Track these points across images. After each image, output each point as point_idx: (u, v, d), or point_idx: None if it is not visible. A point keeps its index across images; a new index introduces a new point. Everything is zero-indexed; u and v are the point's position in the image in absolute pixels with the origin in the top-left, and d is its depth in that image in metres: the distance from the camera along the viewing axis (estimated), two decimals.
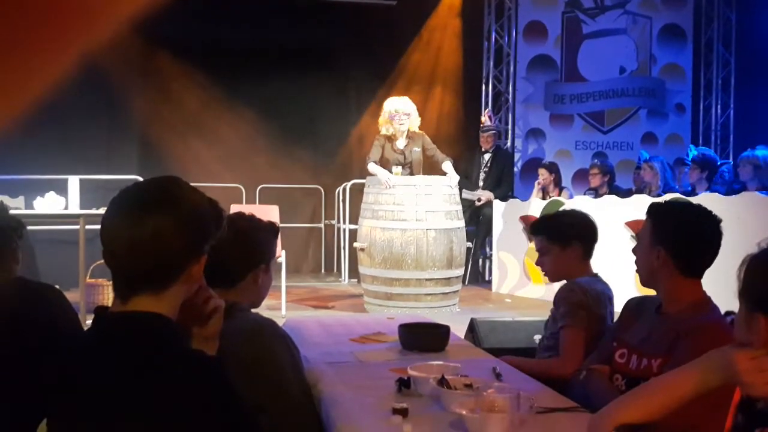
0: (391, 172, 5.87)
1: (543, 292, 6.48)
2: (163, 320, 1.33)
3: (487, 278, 7.85)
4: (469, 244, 6.90)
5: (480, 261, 8.03)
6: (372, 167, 5.88)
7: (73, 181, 5.63)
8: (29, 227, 2.75)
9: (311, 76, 8.59)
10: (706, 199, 5.03)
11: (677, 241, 2.02)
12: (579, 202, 6.52)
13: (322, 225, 9.11)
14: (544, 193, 7.41)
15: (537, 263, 2.74)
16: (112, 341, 1.31)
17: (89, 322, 1.39)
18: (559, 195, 7.31)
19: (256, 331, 1.95)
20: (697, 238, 2.03)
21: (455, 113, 9.17)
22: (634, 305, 2.25)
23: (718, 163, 7.10)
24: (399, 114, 6.01)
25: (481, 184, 7.94)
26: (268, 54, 8.48)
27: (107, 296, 5.43)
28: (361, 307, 5.94)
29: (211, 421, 1.25)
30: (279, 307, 5.60)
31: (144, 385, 1.24)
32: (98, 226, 1.37)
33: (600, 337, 2.37)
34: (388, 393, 1.90)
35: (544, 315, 3.10)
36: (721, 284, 1.91)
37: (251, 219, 2.10)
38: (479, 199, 7.73)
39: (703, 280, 2.06)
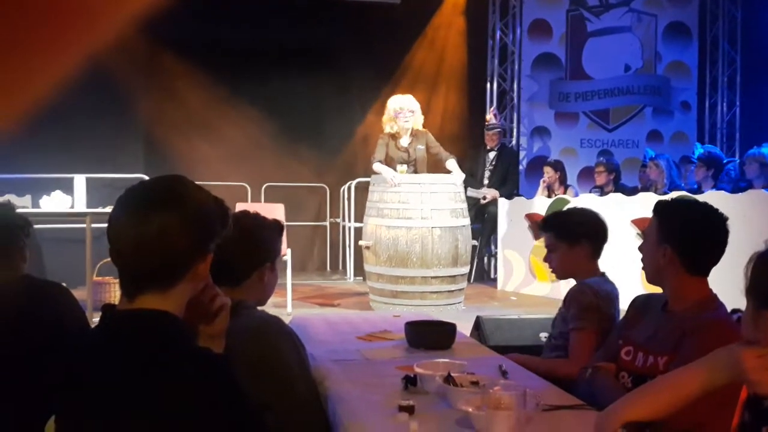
0: (395, 170, 5.87)
1: (548, 289, 6.48)
2: (169, 318, 1.33)
3: (492, 276, 7.85)
4: (475, 242, 6.90)
5: (485, 259, 8.02)
6: (377, 166, 5.87)
7: (80, 180, 5.64)
8: (36, 226, 2.75)
9: (316, 75, 8.60)
10: (712, 197, 5.02)
11: (684, 239, 2.02)
12: (584, 200, 6.51)
13: (327, 223, 9.12)
14: (550, 191, 7.41)
15: (545, 260, 2.74)
16: (119, 339, 1.32)
17: (96, 319, 1.40)
18: (565, 193, 7.30)
19: (263, 328, 1.96)
20: (703, 236, 2.02)
21: (460, 111, 9.17)
22: (640, 303, 2.24)
23: (724, 161, 7.08)
24: (404, 111, 6.00)
25: (486, 182, 7.93)
26: (273, 53, 8.49)
27: (114, 294, 5.45)
28: (366, 305, 5.94)
29: (218, 418, 1.26)
30: (285, 304, 5.61)
31: (151, 382, 1.25)
32: (105, 225, 1.38)
33: (609, 337, 2.37)
34: (394, 390, 1.90)
35: (549, 312, 3.09)
36: (727, 282, 1.91)
37: (256, 217, 2.10)
38: (484, 197, 7.72)
39: (709, 278, 2.05)
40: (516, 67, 8.98)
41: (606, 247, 2.72)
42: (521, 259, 6.99)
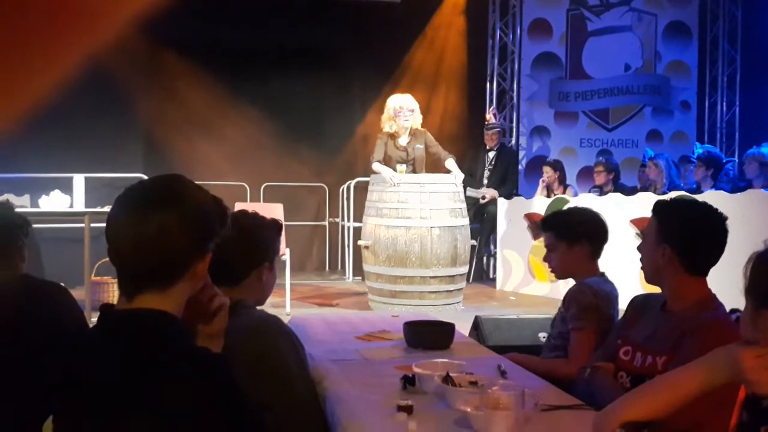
0: (395, 170, 5.87)
1: (547, 289, 6.48)
2: (168, 318, 1.33)
3: (491, 276, 7.85)
4: (474, 242, 6.89)
5: (484, 259, 8.02)
6: (376, 166, 5.87)
7: (78, 180, 5.64)
8: (34, 225, 2.75)
9: (315, 74, 8.60)
10: (711, 197, 5.02)
11: (683, 239, 2.02)
12: (584, 200, 6.51)
13: (326, 223, 9.12)
14: (549, 191, 7.40)
15: (544, 259, 2.74)
16: (118, 339, 1.31)
17: (95, 319, 1.40)
18: (564, 192, 7.30)
19: (262, 328, 1.96)
20: (702, 235, 2.02)
21: (459, 111, 9.17)
22: (638, 303, 2.24)
23: (724, 160, 7.08)
24: (404, 110, 6.00)
25: (485, 181, 7.93)
26: (272, 53, 8.49)
27: (113, 294, 5.45)
28: (365, 305, 5.94)
29: (216, 418, 1.26)
30: (283, 304, 5.61)
31: (149, 382, 1.25)
32: (103, 224, 1.38)
33: (609, 337, 2.37)
34: (393, 390, 1.90)
35: (548, 312, 3.09)
36: (726, 282, 1.91)
37: (254, 217, 2.11)
38: (483, 197, 7.72)
39: (708, 278, 2.05)
40: (516, 66, 8.98)
41: (605, 247, 2.72)
42: (520, 259, 6.99)
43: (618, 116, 9.10)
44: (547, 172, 7.47)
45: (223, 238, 1.41)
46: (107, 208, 1.38)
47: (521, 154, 8.98)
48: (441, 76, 9.17)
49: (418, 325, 2.58)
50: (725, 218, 2.02)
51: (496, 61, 9.04)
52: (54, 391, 1.34)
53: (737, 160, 8.47)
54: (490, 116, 8.27)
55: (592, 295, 2.51)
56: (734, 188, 6.03)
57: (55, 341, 1.95)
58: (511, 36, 9.02)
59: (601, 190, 7.10)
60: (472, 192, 7.52)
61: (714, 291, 2.05)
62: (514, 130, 9.04)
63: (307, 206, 9.08)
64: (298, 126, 8.56)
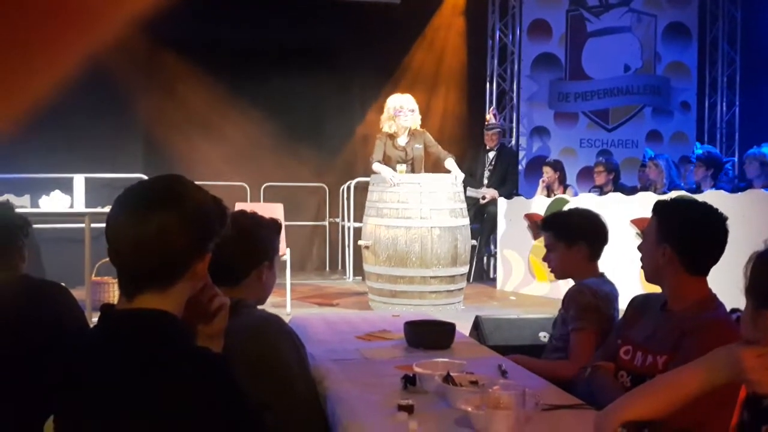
0: (395, 170, 5.87)
1: (547, 289, 6.48)
2: (168, 317, 1.33)
3: (491, 276, 7.85)
4: (474, 242, 6.89)
5: (484, 259, 8.02)
6: (376, 166, 5.88)
7: (79, 180, 5.64)
8: (35, 225, 2.75)
9: (315, 75, 8.60)
10: (711, 197, 5.02)
11: (683, 239, 2.02)
12: (584, 200, 6.51)
13: (326, 223, 9.12)
14: (549, 191, 7.41)
15: (543, 259, 2.74)
16: (118, 339, 1.32)
17: (95, 319, 1.40)
18: (564, 193, 7.30)
19: (262, 327, 1.95)
20: (702, 235, 2.02)
21: (459, 111, 9.17)
22: (639, 302, 2.24)
23: (723, 160, 7.08)
24: (404, 110, 6.01)
25: (485, 182, 7.93)
26: (272, 53, 8.49)
27: (113, 294, 5.45)
28: (365, 305, 5.94)
29: (217, 418, 1.26)
30: (284, 304, 5.61)
31: (149, 382, 1.25)
32: (104, 225, 1.38)
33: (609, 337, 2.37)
34: (393, 390, 1.90)
35: (548, 312, 3.09)
36: (726, 281, 1.91)
37: (253, 216, 2.11)
38: (484, 197, 7.72)
39: (709, 278, 2.05)
40: (515, 67, 8.98)
41: (605, 247, 2.72)
42: (520, 258, 6.99)
43: (618, 117, 9.10)
44: (547, 173, 7.47)
45: (222, 238, 1.41)
46: (107, 209, 1.38)
47: (521, 154, 8.98)
48: (441, 76, 9.17)
49: (418, 324, 2.58)
50: (725, 218, 2.02)
51: (495, 61, 9.04)
52: (54, 391, 1.34)
53: (735, 160, 8.48)
54: (490, 116, 8.27)
55: (591, 296, 2.51)
56: (734, 188, 6.03)
57: (56, 341, 1.95)
58: (510, 37, 9.02)
59: (601, 190, 7.10)
60: (472, 192, 7.52)
61: (714, 291, 2.05)
62: (514, 130, 9.04)
63: (307, 206, 9.08)
64: (298, 126, 8.56)
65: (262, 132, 8.37)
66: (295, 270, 7.05)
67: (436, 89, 9.09)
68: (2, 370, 2.01)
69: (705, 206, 2.09)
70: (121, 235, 1.32)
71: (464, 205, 5.91)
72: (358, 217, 6.86)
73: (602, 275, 2.66)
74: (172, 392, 1.24)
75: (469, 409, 1.63)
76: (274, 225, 2.14)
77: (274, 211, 5.34)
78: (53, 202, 5.40)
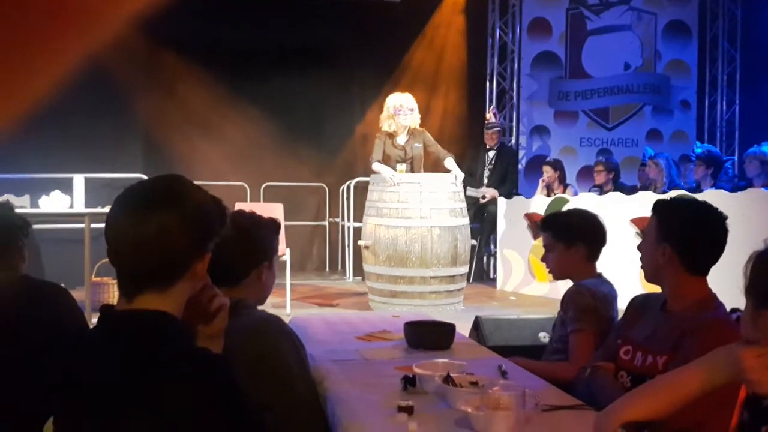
0: (394, 169, 5.87)
1: (547, 289, 6.47)
2: (168, 318, 1.33)
3: (491, 276, 7.85)
4: (474, 242, 6.89)
5: (484, 258, 8.02)
6: (376, 166, 5.88)
7: (78, 180, 5.64)
8: (34, 226, 2.75)
9: (315, 74, 8.60)
10: (711, 196, 5.02)
11: (683, 238, 2.02)
12: (584, 199, 6.51)
13: (326, 223, 9.12)
14: (549, 191, 7.40)
15: (542, 260, 2.74)
16: (118, 339, 1.31)
17: (95, 320, 1.39)
18: (564, 192, 7.30)
19: (262, 328, 1.95)
20: (702, 235, 2.02)
21: (459, 110, 9.17)
22: (638, 302, 2.24)
23: (723, 159, 7.08)
24: (403, 109, 6.00)
25: (485, 181, 7.93)
26: (272, 52, 8.49)
27: (113, 295, 5.45)
28: (365, 305, 5.94)
29: (217, 418, 1.26)
30: (284, 305, 5.61)
31: (149, 382, 1.25)
32: (103, 225, 1.38)
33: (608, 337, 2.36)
34: (393, 391, 1.90)
35: (548, 312, 3.09)
36: (726, 281, 1.91)
37: (252, 216, 2.10)
38: (484, 197, 7.72)
39: (709, 278, 2.05)
40: (515, 65, 8.98)
41: (605, 247, 2.72)
42: (520, 258, 6.98)
43: (618, 115, 9.10)
44: (547, 172, 7.47)
45: (221, 238, 1.41)
46: (107, 209, 1.38)
47: (521, 153, 8.98)
48: (441, 75, 9.17)
49: (418, 325, 2.58)
50: (725, 217, 2.02)
51: (495, 60, 9.04)
52: (54, 391, 1.34)
53: (735, 159, 8.48)
54: (490, 115, 8.27)
55: (590, 297, 2.51)
56: (734, 187, 6.02)
57: (56, 342, 1.95)
58: (510, 35, 9.01)
59: (601, 190, 7.09)
60: (472, 191, 7.51)
61: (714, 290, 2.05)
62: (514, 129, 9.03)
63: (307, 206, 9.08)
64: (298, 126, 8.56)
65: (262, 132, 8.37)
66: (295, 270, 7.05)
67: (436, 88, 9.09)
68: (2, 371, 2.01)
69: (705, 205, 2.09)
70: (121, 235, 1.32)
71: (464, 205, 5.91)
72: (358, 217, 6.85)
73: (600, 275, 2.66)
74: (172, 392, 1.24)
75: (469, 409, 1.63)
76: (272, 225, 2.14)
77: (274, 211, 5.34)
78: (53, 202, 5.40)
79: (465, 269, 5.88)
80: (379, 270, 5.71)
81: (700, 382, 1.38)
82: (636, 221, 5.69)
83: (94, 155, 7.31)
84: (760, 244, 1.37)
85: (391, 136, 6.07)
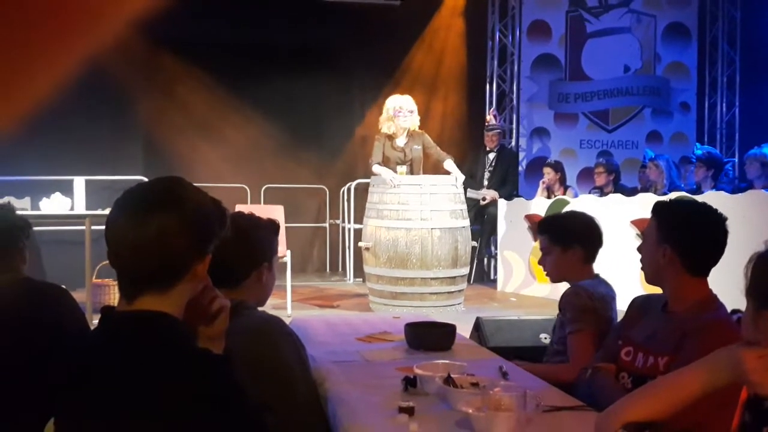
0: (394, 171, 5.87)
1: (548, 291, 6.47)
2: (169, 319, 1.33)
3: (492, 277, 7.85)
4: (474, 243, 6.90)
5: (485, 260, 8.02)
6: (376, 168, 5.88)
7: (79, 182, 5.65)
8: (35, 228, 2.75)
9: (315, 76, 8.60)
10: (712, 198, 5.02)
11: (683, 240, 2.02)
12: (584, 201, 6.51)
13: (326, 225, 9.12)
14: (549, 192, 7.40)
15: (539, 263, 2.75)
16: (119, 340, 1.32)
17: (96, 322, 1.40)
18: (564, 194, 7.30)
19: (264, 329, 1.95)
20: (702, 236, 2.02)
21: (459, 113, 9.17)
22: (639, 303, 2.24)
23: (724, 161, 7.08)
24: (403, 111, 6.01)
25: (485, 183, 7.93)
26: (272, 54, 8.49)
27: (113, 296, 5.45)
28: (366, 307, 5.94)
29: (217, 419, 1.26)
30: (284, 306, 5.61)
31: (150, 383, 1.25)
32: (104, 227, 1.38)
33: (607, 338, 2.36)
34: (394, 392, 1.90)
35: (549, 314, 3.09)
36: (727, 282, 1.91)
37: (251, 217, 2.11)
38: (484, 198, 7.73)
39: (709, 279, 2.05)
40: (515, 68, 8.99)
41: (605, 248, 2.72)
42: (521, 260, 6.98)
43: (618, 117, 9.10)
44: (548, 174, 7.47)
45: (221, 240, 1.41)
46: (108, 211, 1.38)
47: (521, 155, 8.98)
48: (441, 77, 9.18)
49: (419, 326, 2.58)
50: (725, 218, 2.02)
51: (495, 62, 9.04)
52: (55, 392, 1.34)
53: (736, 161, 8.48)
54: (490, 118, 8.27)
55: (587, 298, 2.52)
56: (735, 189, 6.02)
57: (57, 343, 1.95)
58: (510, 38, 9.02)
59: (602, 191, 7.09)
60: (472, 193, 7.52)
61: (715, 291, 2.05)
62: (514, 131, 9.04)
63: (307, 208, 9.09)
64: (298, 128, 8.56)
65: (263, 134, 8.38)
66: (296, 272, 7.05)
67: (436, 90, 9.10)
68: (3, 372, 2.01)
69: (704, 206, 2.10)
70: (121, 237, 1.32)
71: (464, 207, 5.91)
72: (359, 219, 6.86)
73: (597, 276, 2.66)
74: (173, 393, 1.24)
75: (470, 410, 1.62)
76: (271, 226, 2.14)
77: (274, 213, 5.34)
78: (54, 204, 5.40)
79: (465, 271, 5.88)
80: (379, 271, 5.71)
81: (701, 383, 1.38)
82: (636, 223, 5.69)
83: (94, 157, 7.32)
84: (761, 246, 1.37)
85: (391, 138, 6.08)
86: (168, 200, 1.34)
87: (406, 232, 5.59)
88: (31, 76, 6.21)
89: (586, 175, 8.49)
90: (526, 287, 6.90)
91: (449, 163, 5.99)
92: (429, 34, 9.17)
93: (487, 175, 7.97)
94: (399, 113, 6.00)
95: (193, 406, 1.24)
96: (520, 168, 8.87)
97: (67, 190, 5.59)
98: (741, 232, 2.29)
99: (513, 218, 7.15)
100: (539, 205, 6.90)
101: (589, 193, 7.34)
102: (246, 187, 8.55)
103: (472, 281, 6.93)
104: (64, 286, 2.34)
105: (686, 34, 9.17)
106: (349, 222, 8.06)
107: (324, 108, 8.94)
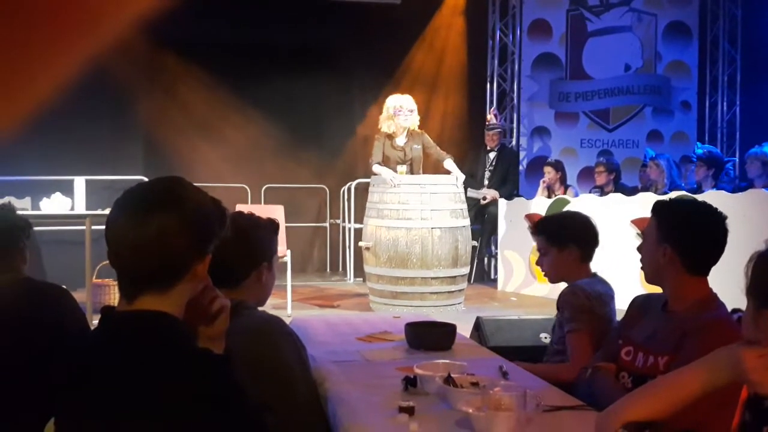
0: (394, 170, 5.87)
1: (548, 290, 6.47)
2: (169, 319, 1.33)
3: (492, 277, 7.85)
4: (475, 243, 6.89)
5: (485, 259, 8.02)
6: (376, 168, 5.88)
7: (79, 182, 5.65)
8: (36, 228, 2.75)
9: (316, 76, 8.60)
10: (712, 197, 5.02)
11: (683, 239, 2.02)
12: (584, 201, 6.51)
13: (327, 224, 9.12)
14: (550, 192, 7.40)
15: (537, 263, 2.76)
16: (119, 340, 1.32)
17: (96, 322, 1.40)
18: (565, 193, 7.30)
19: (264, 329, 1.95)
20: (702, 235, 2.02)
21: (460, 112, 9.17)
22: (639, 303, 2.24)
23: (724, 160, 7.07)
24: (403, 110, 6.01)
25: (486, 182, 7.93)
26: (273, 54, 8.49)
27: (114, 296, 5.45)
28: (366, 306, 5.94)
29: (218, 419, 1.26)
30: (285, 306, 5.61)
31: (150, 383, 1.25)
32: (104, 227, 1.38)
33: (606, 337, 2.37)
34: (394, 391, 1.90)
35: (549, 313, 3.09)
36: (727, 282, 1.91)
37: (251, 217, 2.11)
38: (484, 198, 7.72)
39: (710, 278, 2.05)
40: (516, 67, 8.98)
41: (605, 247, 2.73)
42: (521, 259, 6.98)
43: (618, 116, 9.10)
44: (549, 173, 7.47)
45: (221, 239, 1.41)
46: (108, 211, 1.38)
47: (522, 154, 8.98)
48: (441, 77, 9.17)
49: (419, 326, 2.58)
50: (725, 217, 2.02)
51: (496, 61, 9.04)
52: (56, 392, 1.34)
53: (736, 160, 8.48)
54: (490, 117, 8.27)
55: (584, 297, 2.52)
56: (735, 188, 6.02)
57: (57, 343, 1.95)
58: (511, 37, 9.02)
59: (602, 191, 7.09)
60: (472, 193, 7.52)
61: (715, 291, 2.05)
62: (515, 130, 9.03)
63: (307, 208, 9.09)
64: (298, 127, 8.57)
65: (263, 133, 8.38)
66: (296, 271, 7.05)
67: (437, 90, 9.09)
68: (4, 372, 2.01)
69: (704, 205, 2.10)
70: (121, 237, 1.32)
71: (465, 206, 5.91)
72: (359, 219, 6.86)
73: (595, 275, 2.67)
74: (174, 393, 1.24)
75: (470, 410, 1.62)
76: (271, 225, 2.14)
77: (274, 212, 5.34)
78: (54, 204, 5.40)
79: (466, 270, 5.88)
80: (379, 271, 5.71)
81: (701, 383, 1.38)
82: (637, 222, 5.69)
83: (94, 157, 7.32)
84: (761, 245, 1.37)
85: (391, 137, 6.08)
86: (168, 200, 1.34)
87: (407, 231, 5.59)
88: (32, 76, 6.21)
89: (586, 175, 8.49)
90: (527, 287, 6.89)
91: (449, 163, 5.99)
92: (429, 34, 9.17)
93: (487, 174, 7.97)
94: (399, 112, 6.00)
95: (194, 406, 1.24)
96: (520, 167, 8.87)
97: (67, 190, 5.59)
98: (741, 232, 2.29)
99: (513, 218, 7.15)
100: (540, 205, 6.90)
101: (590, 192, 7.34)
102: (246, 187, 8.55)
103: (472, 281, 6.93)
104: (64, 286, 2.35)
105: (687, 32, 9.16)
106: (349, 222, 8.06)
107: (324, 108, 8.93)
